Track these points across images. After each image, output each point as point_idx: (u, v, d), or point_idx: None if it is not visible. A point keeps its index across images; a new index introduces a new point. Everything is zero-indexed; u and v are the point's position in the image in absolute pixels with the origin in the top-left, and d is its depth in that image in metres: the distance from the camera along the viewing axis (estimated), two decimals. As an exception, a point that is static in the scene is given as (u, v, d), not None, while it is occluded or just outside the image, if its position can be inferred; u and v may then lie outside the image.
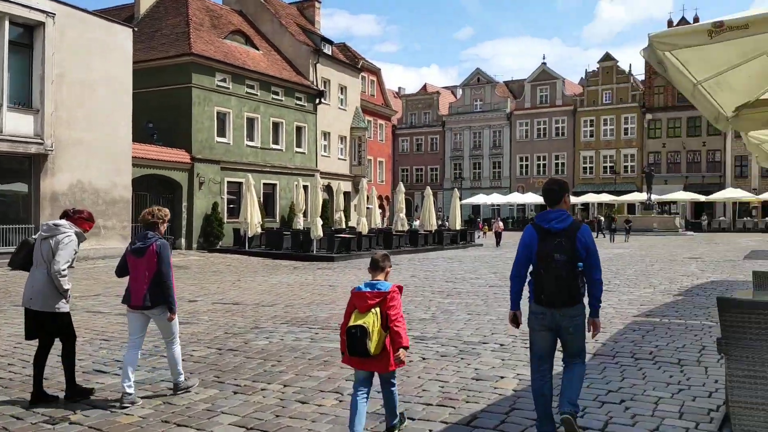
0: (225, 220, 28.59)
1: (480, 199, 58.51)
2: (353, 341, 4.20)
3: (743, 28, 4.00)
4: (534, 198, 58.01)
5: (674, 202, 55.61)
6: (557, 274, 4.13)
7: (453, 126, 67.64)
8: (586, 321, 4.33)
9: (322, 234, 24.15)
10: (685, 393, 5.50)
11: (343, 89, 38.71)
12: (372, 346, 4.15)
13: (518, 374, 6.26)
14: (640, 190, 55.87)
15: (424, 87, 72.13)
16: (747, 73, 5.67)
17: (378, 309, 4.26)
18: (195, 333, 8.66)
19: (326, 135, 37.02)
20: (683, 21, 57.71)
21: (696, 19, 57.36)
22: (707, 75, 5.44)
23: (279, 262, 22.30)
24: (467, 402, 5.40)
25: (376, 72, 45.89)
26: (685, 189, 55.16)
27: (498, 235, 32.49)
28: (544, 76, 63.77)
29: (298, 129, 34.14)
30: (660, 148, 58.98)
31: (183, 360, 6.13)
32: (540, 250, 4.22)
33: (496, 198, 58.60)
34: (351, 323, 4.25)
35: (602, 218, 53.09)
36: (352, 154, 39.15)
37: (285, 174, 32.69)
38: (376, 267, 4.54)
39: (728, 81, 5.75)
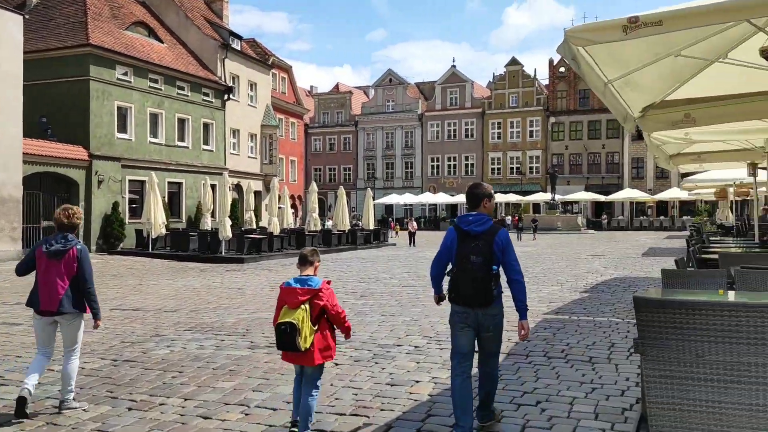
0: (127, 220, 27.16)
1: (393, 198, 58.88)
2: (282, 337, 4.25)
3: (657, 24, 3.98)
4: (445, 198, 59.03)
5: (576, 202, 58.08)
6: (473, 276, 4.24)
7: (366, 126, 67.71)
8: (517, 323, 4.43)
9: (231, 234, 23.34)
10: (599, 392, 5.49)
11: (252, 86, 37.76)
12: (302, 341, 4.20)
13: (433, 377, 6.09)
14: (544, 190, 57.96)
15: (337, 86, 71.88)
16: (655, 73, 5.75)
17: (308, 305, 4.29)
18: (88, 343, 7.95)
19: (235, 132, 35.97)
20: (584, 29, 60.32)
21: (596, 27, 60.10)
22: (618, 74, 5.47)
23: (185, 264, 21.37)
24: (382, 410, 5.15)
25: (287, 69, 45.11)
26: (587, 189, 57.72)
27: (412, 235, 32.59)
28: (454, 78, 65.00)
29: (206, 126, 32.96)
30: (563, 150, 61.45)
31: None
32: (458, 251, 4.34)
33: (408, 198, 59.14)
34: (280, 319, 4.28)
35: (508, 218, 54.66)
36: (263, 152, 38.28)
37: (191, 172, 31.46)
38: (305, 262, 4.57)
39: (637, 81, 5.81)
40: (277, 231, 26.00)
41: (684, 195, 49.36)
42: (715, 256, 8.08)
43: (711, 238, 12.82)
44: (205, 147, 32.81)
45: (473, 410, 4.38)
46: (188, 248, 24.33)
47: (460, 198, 59.20)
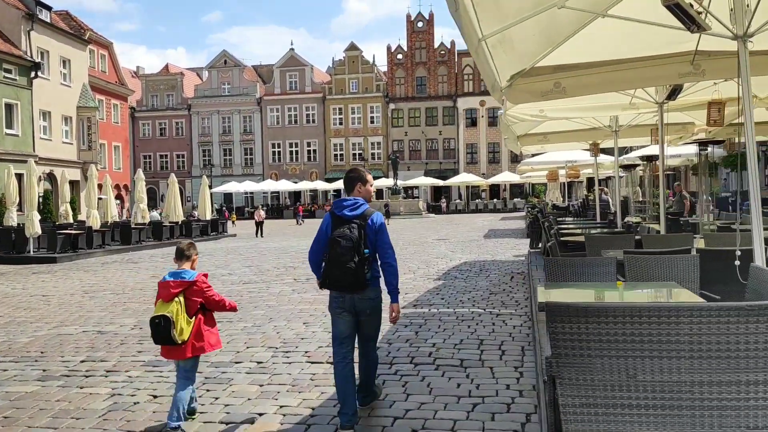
0: None
1: (232, 186, 56.07)
2: (157, 331, 4.24)
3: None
4: (288, 185, 57.38)
5: (417, 187, 59.22)
6: (342, 260, 4.15)
7: (200, 109, 64.00)
8: (388, 306, 4.39)
9: (40, 230, 20.25)
10: (482, 409, 4.60)
11: (66, 62, 33.51)
12: (177, 334, 4.19)
13: (281, 406, 4.86)
14: (387, 176, 58.49)
15: (166, 67, 67.04)
16: (532, 29, 4.95)
17: (182, 297, 4.29)
18: None
19: (46, 115, 31.73)
20: (420, 16, 61.49)
21: (431, 15, 61.51)
22: (494, 28, 4.58)
23: (-18, 267, 18.11)
24: (213, 466, 3.86)
25: (107, 46, 40.71)
26: (426, 174, 59.11)
27: (259, 225, 30.46)
28: (293, 62, 63.33)
29: (9, 107, 28.67)
30: (403, 136, 62.38)
31: None
32: (331, 236, 4.27)
33: (248, 185, 56.66)
34: (155, 313, 4.27)
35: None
36: (80, 137, 34.22)
37: (-8, 160, 27.23)
38: (181, 256, 4.56)
39: (512, 38, 4.97)
40: (97, 225, 23.10)
41: (515, 178, 52.14)
42: (579, 239, 7.63)
43: (558, 219, 12.79)
44: (9, 131, 28.56)
45: (355, 394, 4.30)
46: (-13, 248, 20.81)
47: (304, 185, 57.99)
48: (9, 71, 28.53)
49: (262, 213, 31.63)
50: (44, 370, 6.20)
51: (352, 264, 4.12)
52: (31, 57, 29.95)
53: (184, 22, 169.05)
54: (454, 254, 17.09)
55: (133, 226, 25.02)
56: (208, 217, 30.47)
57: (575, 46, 5.66)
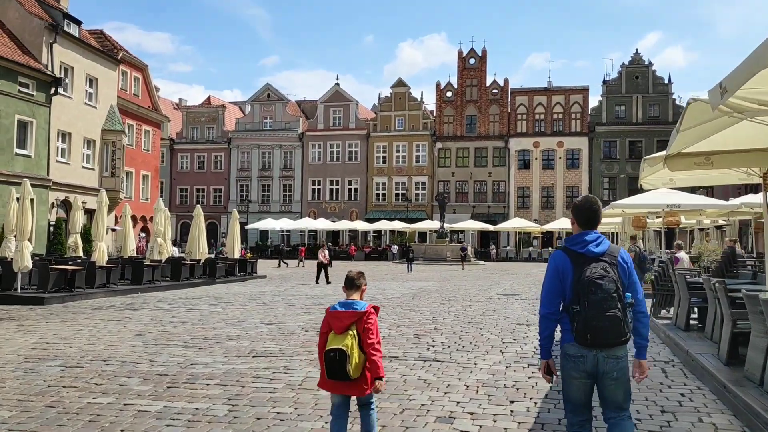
0: None
1: (268, 224, 52.91)
2: (332, 365, 3.97)
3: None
4: (326, 224, 54.09)
5: (463, 231, 55.19)
6: (606, 306, 3.33)
7: (240, 143, 61.64)
8: (632, 363, 3.58)
9: (30, 265, 16.97)
10: None
11: (92, 81, 30.89)
12: (352, 369, 3.94)
13: None
14: (430, 218, 54.76)
15: (208, 99, 65.22)
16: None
17: (355, 330, 4.07)
18: None
19: (65, 136, 28.96)
20: (472, 52, 58.45)
21: (484, 52, 58.38)
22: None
23: (-46, 306, 14.82)
24: None
25: (142, 68, 38.24)
26: (473, 218, 55.08)
27: (322, 268, 23.43)
28: (338, 97, 60.79)
29: (22, 124, 25.93)
30: (449, 177, 58.77)
31: None
32: (578, 279, 3.43)
33: (286, 223, 53.48)
34: (329, 346, 4.01)
35: (395, 246, 51.10)
36: (104, 162, 31.38)
37: (-2, 182, 24.40)
38: (351, 285, 4.30)
39: None
40: (103, 260, 19.75)
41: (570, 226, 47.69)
42: None
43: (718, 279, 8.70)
44: (20, 151, 25.75)
45: None
46: (-30, 283, 17.61)
47: (343, 224, 54.60)
48: (26, 85, 25.79)
49: (326, 253, 24.21)
50: None
51: (616, 311, 3.31)
52: (52, 72, 27.31)
53: (243, 65, 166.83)
54: (537, 317, 13.01)
55: (147, 263, 21.66)
56: (237, 255, 27.07)
57: None
